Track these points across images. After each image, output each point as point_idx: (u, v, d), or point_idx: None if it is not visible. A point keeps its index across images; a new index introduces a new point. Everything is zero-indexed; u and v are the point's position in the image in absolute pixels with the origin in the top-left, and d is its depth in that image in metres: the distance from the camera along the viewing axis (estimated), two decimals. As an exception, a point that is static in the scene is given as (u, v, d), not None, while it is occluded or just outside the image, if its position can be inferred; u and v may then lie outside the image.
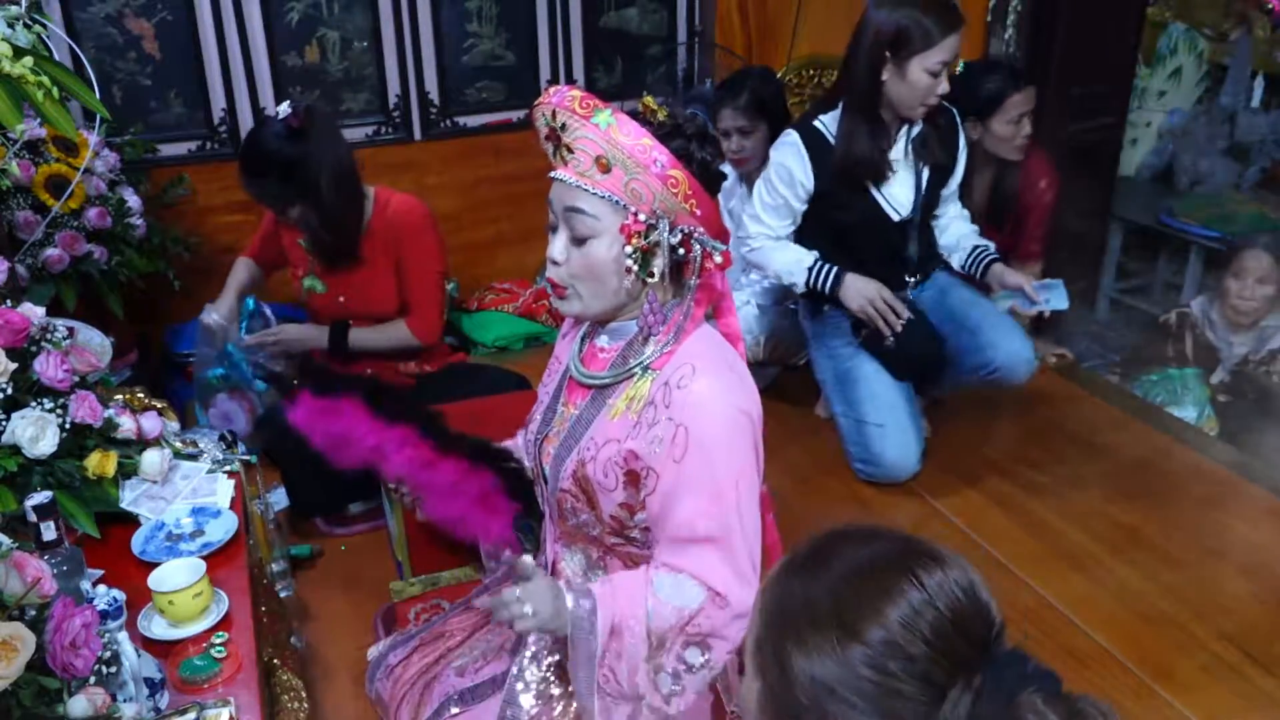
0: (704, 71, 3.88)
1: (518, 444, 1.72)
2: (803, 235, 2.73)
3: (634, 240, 1.33)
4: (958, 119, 2.72)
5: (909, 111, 2.52)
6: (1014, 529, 2.48)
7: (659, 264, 1.35)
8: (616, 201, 1.33)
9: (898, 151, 2.61)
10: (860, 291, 2.61)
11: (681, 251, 1.36)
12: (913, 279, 2.76)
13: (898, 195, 2.64)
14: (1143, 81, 4.80)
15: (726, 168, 3.13)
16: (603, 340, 1.49)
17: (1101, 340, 4.27)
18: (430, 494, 1.62)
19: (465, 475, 1.61)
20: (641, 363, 1.41)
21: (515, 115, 3.69)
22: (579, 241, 1.37)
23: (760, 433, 1.38)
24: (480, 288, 3.67)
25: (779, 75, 3.84)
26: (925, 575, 0.86)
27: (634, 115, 1.36)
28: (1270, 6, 4.21)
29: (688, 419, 1.33)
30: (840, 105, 2.59)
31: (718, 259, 1.37)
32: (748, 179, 3.14)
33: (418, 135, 3.60)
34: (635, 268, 1.34)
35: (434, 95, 3.58)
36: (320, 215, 2.40)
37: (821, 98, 2.71)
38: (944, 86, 2.47)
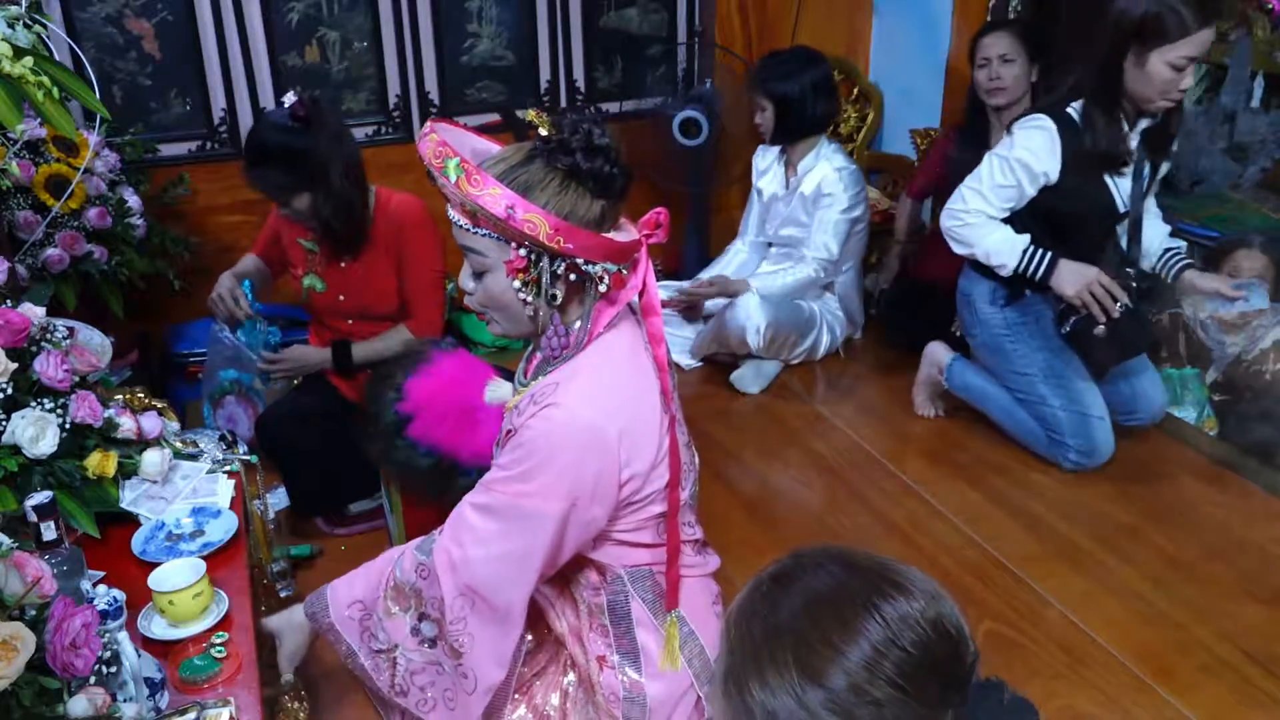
0: (704, 71, 3.88)
1: None
2: (1013, 218, 2.64)
3: (520, 276, 1.37)
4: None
5: (1146, 105, 2.48)
6: (1014, 529, 2.48)
7: (558, 289, 1.39)
8: (498, 238, 1.37)
9: (1131, 143, 2.58)
10: (1080, 275, 2.55)
11: (574, 277, 1.39)
12: (1130, 270, 2.71)
13: (1124, 187, 2.63)
14: (1143, 81, 4.80)
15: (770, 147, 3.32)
16: (515, 336, 1.55)
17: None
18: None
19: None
20: (543, 373, 1.47)
21: (517, 112, 3.69)
22: (478, 275, 1.43)
23: (595, 452, 1.38)
24: (480, 288, 3.66)
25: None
26: (888, 608, 0.82)
27: (525, 128, 1.38)
28: (1270, 6, 4.21)
29: (522, 426, 1.41)
30: (1082, 92, 2.54)
31: (603, 286, 1.39)
32: (782, 157, 3.30)
33: (418, 135, 3.60)
34: (529, 298, 1.39)
35: (434, 95, 3.58)
36: (331, 202, 2.37)
37: (1071, 83, 2.63)
38: (1187, 82, 2.41)
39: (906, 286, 3.39)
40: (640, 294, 1.46)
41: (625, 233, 1.44)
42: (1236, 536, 2.43)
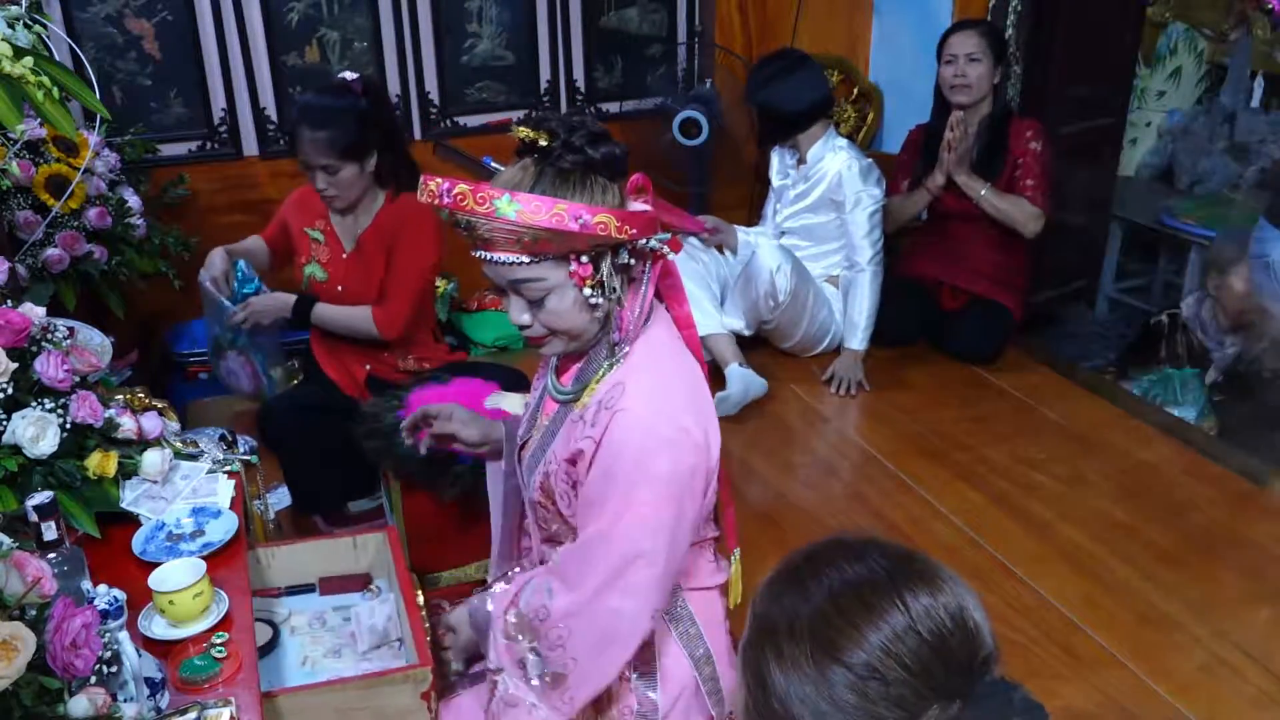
0: (704, 71, 3.88)
1: None
2: None
3: (588, 283, 1.34)
4: None
5: None
6: (1014, 529, 2.48)
7: (617, 283, 1.37)
8: (556, 258, 1.33)
9: None
10: None
11: (632, 261, 1.38)
12: None
13: None
14: (1143, 81, 4.80)
15: None
16: (574, 351, 1.50)
17: (1101, 340, 4.28)
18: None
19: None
20: (598, 375, 1.43)
21: (515, 115, 3.69)
22: (536, 303, 1.38)
23: (687, 449, 1.36)
24: (480, 288, 3.67)
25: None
26: (912, 598, 0.84)
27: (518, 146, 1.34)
28: (1270, 7, 4.21)
29: (604, 441, 1.36)
30: None
31: (666, 251, 1.39)
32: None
33: (418, 135, 3.60)
34: (599, 301, 1.36)
35: (434, 95, 3.58)
36: (406, 163, 2.49)
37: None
38: None
39: (893, 284, 3.40)
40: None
41: (637, 202, 1.43)
42: (1236, 536, 2.43)
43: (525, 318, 1.40)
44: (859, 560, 0.88)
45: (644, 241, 1.35)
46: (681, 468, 1.35)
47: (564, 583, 1.42)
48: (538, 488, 1.50)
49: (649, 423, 1.34)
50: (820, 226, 3.29)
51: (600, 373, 1.42)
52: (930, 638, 0.83)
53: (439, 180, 1.30)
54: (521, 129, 1.32)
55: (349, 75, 2.41)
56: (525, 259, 1.32)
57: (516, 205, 1.25)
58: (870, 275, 3.16)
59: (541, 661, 1.44)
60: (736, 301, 3.22)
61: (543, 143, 1.31)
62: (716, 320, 3.13)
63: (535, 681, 1.45)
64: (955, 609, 0.85)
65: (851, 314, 3.18)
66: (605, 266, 1.34)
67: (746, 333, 3.23)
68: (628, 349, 1.41)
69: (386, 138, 2.43)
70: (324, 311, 2.55)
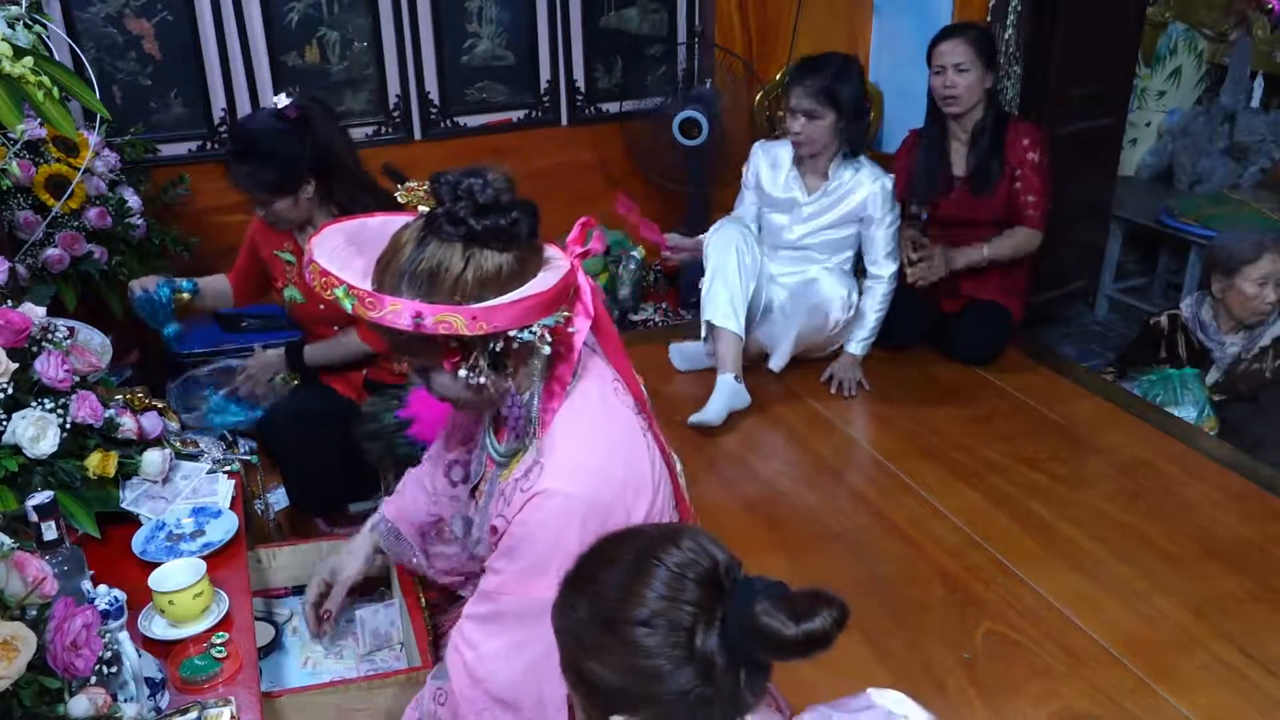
0: (704, 71, 3.88)
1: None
2: None
3: (460, 368, 1.28)
4: None
5: None
6: (1014, 529, 2.47)
7: (508, 362, 1.31)
8: (427, 339, 1.25)
9: None
10: None
11: (516, 345, 1.28)
12: None
13: None
14: (1143, 81, 4.81)
15: (781, 147, 3.13)
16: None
17: (1102, 340, 4.28)
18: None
19: None
20: (522, 448, 1.40)
21: (515, 115, 3.69)
22: (420, 372, 1.37)
23: (612, 515, 1.34)
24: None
25: (779, 77, 3.85)
26: (665, 555, 1.03)
27: (402, 180, 1.32)
28: (1270, 7, 4.21)
29: (515, 520, 1.35)
30: None
31: (546, 350, 1.28)
32: (800, 162, 3.08)
33: (418, 135, 3.60)
34: (480, 380, 1.29)
35: (434, 95, 3.58)
36: (354, 182, 2.40)
37: None
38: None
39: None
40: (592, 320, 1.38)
41: (553, 266, 1.33)
42: (1236, 536, 2.43)
43: (425, 386, 1.38)
44: (617, 550, 1.07)
45: (516, 333, 1.25)
46: (590, 538, 1.31)
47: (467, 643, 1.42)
48: (490, 539, 1.47)
49: (562, 503, 1.32)
50: (841, 240, 3.16)
51: (523, 447, 1.40)
52: (683, 570, 1.02)
53: (310, 255, 1.27)
54: (404, 190, 1.30)
55: (282, 100, 2.32)
56: (389, 339, 1.29)
57: (352, 299, 1.22)
58: (888, 289, 3.11)
59: None
60: (783, 327, 3.09)
61: (423, 209, 1.28)
62: (735, 320, 2.98)
63: None
64: (693, 547, 1.04)
65: (862, 319, 3.13)
66: (477, 352, 1.27)
67: (776, 366, 3.13)
68: (540, 425, 1.37)
69: (324, 163, 2.34)
70: (315, 353, 2.56)
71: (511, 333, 1.25)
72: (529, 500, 1.33)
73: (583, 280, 1.36)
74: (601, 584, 1.05)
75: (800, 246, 3.18)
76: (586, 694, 1.07)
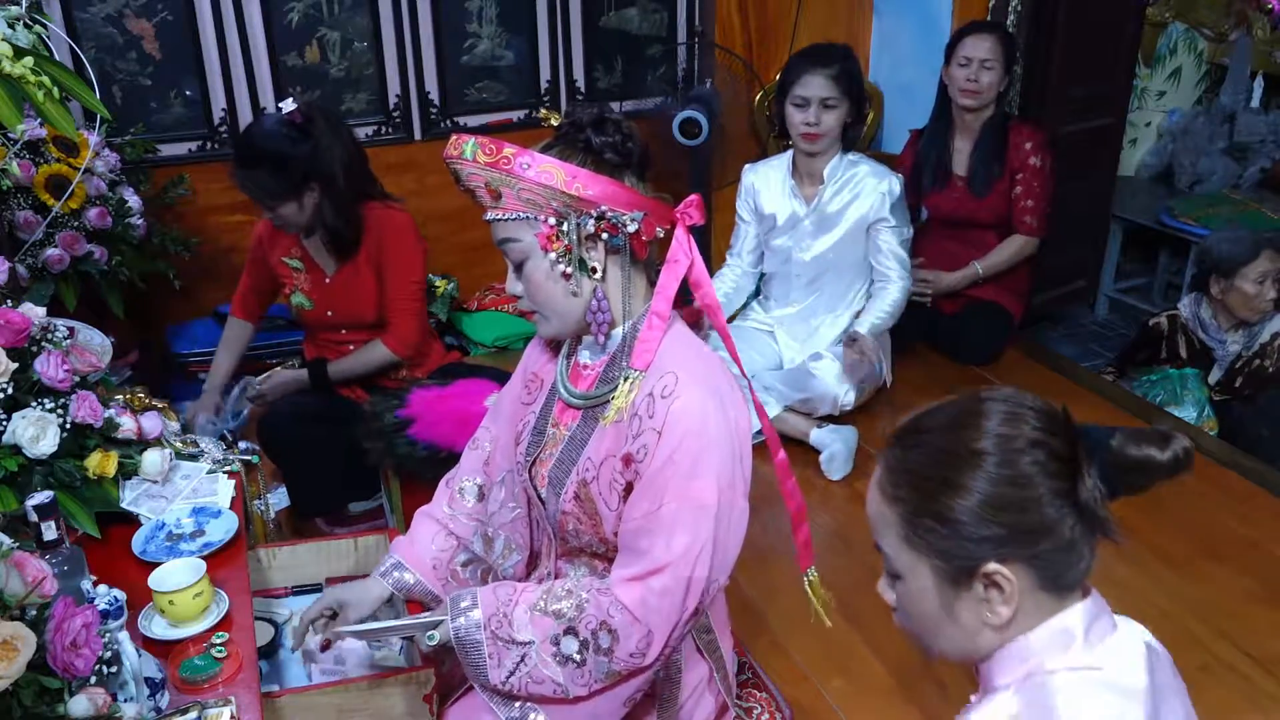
0: (704, 71, 3.88)
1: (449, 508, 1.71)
2: None
3: (554, 245, 1.35)
4: None
5: None
6: (1014, 529, 2.47)
7: (595, 258, 1.37)
8: (523, 217, 1.36)
9: None
10: None
11: (606, 236, 1.35)
12: None
13: None
14: (1143, 81, 4.81)
15: (770, 164, 2.97)
16: (584, 357, 1.49)
17: (1101, 340, 4.28)
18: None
19: None
20: (624, 374, 1.39)
21: (515, 115, 3.69)
22: (519, 268, 1.41)
23: (743, 442, 1.39)
24: (480, 288, 3.67)
25: (779, 77, 3.85)
26: (992, 393, 1.05)
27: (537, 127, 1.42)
28: (1270, 7, 4.21)
29: (666, 429, 1.34)
30: None
31: (632, 228, 1.34)
32: (795, 172, 2.92)
33: (418, 135, 3.60)
34: (569, 270, 1.36)
35: (434, 95, 3.58)
36: (334, 202, 2.38)
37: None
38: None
39: None
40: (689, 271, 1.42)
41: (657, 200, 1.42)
42: (1237, 536, 2.43)
43: (517, 287, 1.43)
44: (942, 403, 1.07)
45: (608, 211, 1.33)
46: (727, 458, 1.36)
47: (621, 565, 1.40)
48: (570, 499, 1.45)
49: (705, 416, 1.34)
50: (852, 256, 2.95)
51: (634, 377, 1.38)
52: (1024, 408, 1.03)
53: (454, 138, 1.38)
54: (543, 111, 1.42)
55: (288, 105, 2.33)
56: (501, 215, 1.36)
57: (476, 148, 1.33)
58: (902, 287, 2.91)
59: (577, 639, 1.38)
60: (787, 397, 2.93)
61: (553, 122, 1.39)
62: (775, 406, 2.89)
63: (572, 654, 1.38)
64: (1012, 393, 1.05)
65: (872, 309, 2.92)
66: (572, 228, 1.34)
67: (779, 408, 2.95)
68: (645, 341, 1.38)
69: (327, 168, 2.34)
70: (340, 367, 2.55)
71: (606, 210, 1.32)
72: (674, 407, 1.34)
73: (685, 237, 1.40)
74: (934, 433, 1.05)
75: (813, 273, 2.98)
76: (940, 547, 1.03)
